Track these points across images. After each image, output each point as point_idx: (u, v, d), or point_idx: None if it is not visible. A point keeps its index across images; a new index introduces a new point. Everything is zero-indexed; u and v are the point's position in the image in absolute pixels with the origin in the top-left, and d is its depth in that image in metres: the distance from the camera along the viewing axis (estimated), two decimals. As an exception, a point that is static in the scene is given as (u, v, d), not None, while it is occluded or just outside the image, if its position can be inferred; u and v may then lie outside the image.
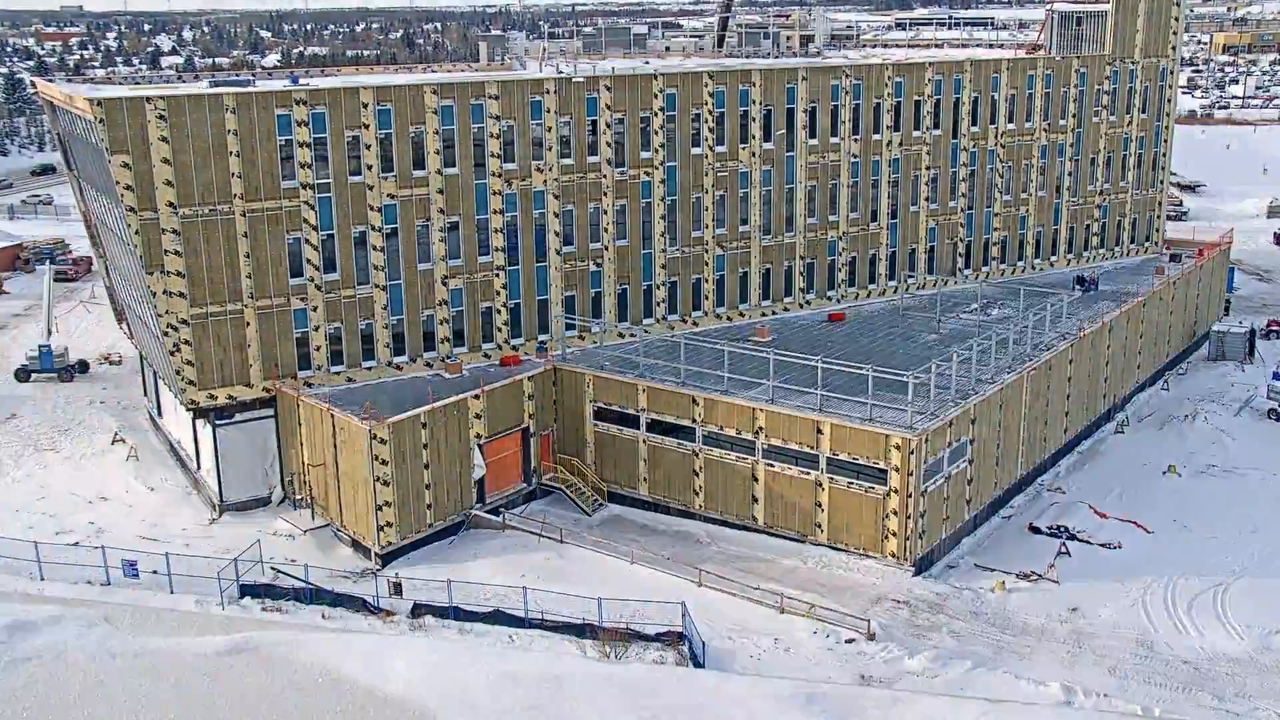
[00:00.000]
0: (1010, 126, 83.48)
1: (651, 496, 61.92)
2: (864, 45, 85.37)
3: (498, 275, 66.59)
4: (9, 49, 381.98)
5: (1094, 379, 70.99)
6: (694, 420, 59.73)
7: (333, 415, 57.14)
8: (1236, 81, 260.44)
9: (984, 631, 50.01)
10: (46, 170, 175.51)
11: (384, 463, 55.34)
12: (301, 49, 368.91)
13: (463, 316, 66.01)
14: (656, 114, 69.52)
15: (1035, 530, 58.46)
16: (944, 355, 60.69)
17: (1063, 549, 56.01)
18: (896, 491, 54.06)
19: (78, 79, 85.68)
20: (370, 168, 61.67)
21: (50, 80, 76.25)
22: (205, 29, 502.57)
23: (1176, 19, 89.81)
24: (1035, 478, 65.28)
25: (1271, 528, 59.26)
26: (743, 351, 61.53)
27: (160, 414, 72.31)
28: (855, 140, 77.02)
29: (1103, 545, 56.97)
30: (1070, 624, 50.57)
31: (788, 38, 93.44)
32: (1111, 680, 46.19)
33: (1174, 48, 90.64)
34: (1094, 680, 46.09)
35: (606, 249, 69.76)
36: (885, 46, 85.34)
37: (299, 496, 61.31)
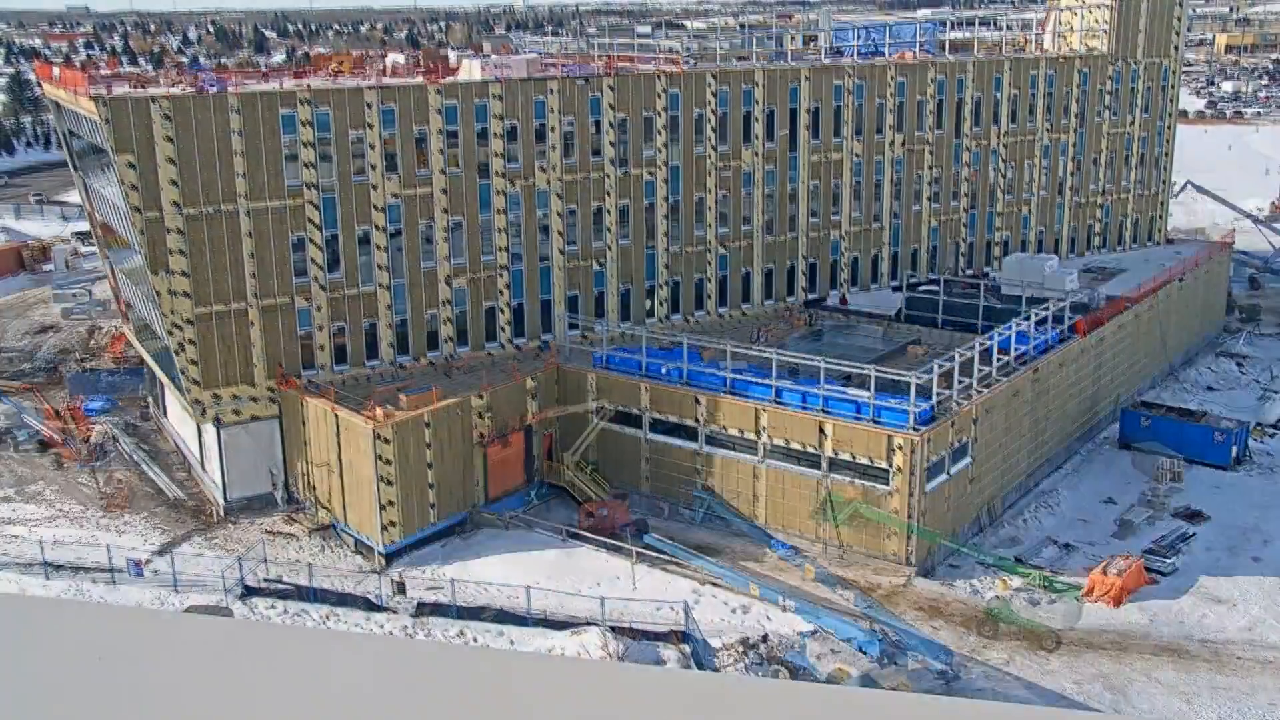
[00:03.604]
0: (1012, 126, 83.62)
1: (654, 496, 62.03)
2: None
3: (501, 274, 66.78)
4: (15, 50, 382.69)
5: (1097, 378, 71.05)
6: (697, 420, 59.88)
7: (336, 415, 57.32)
8: (1238, 79, 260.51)
9: (986, 630, 50.07)
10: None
11: (388, 462, 55.53)
12: (306, 49, 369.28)
13: (466, 316, 66.22)
14: (660, 113, 69.71)
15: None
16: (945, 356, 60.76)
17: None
18: (899, 491, 54.19)
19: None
20: (374, 167, 61.87)
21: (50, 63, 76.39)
22: (210, 29, 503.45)
23: (1179, 19, 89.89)
24: (1040, 476, 65.32)
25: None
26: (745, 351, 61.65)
27: (165, 414, 72.56)
28: (858, 140, 77.18)
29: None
30: (1074, 622, 50.65)
31: (791, 38, 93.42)
32: (1113, 678, 46.30)
33: (1176, 48, 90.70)
34: (1095, 679, 46.20)
35: (610, 248, 69.95)
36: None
37: (303, 496, 61.51)
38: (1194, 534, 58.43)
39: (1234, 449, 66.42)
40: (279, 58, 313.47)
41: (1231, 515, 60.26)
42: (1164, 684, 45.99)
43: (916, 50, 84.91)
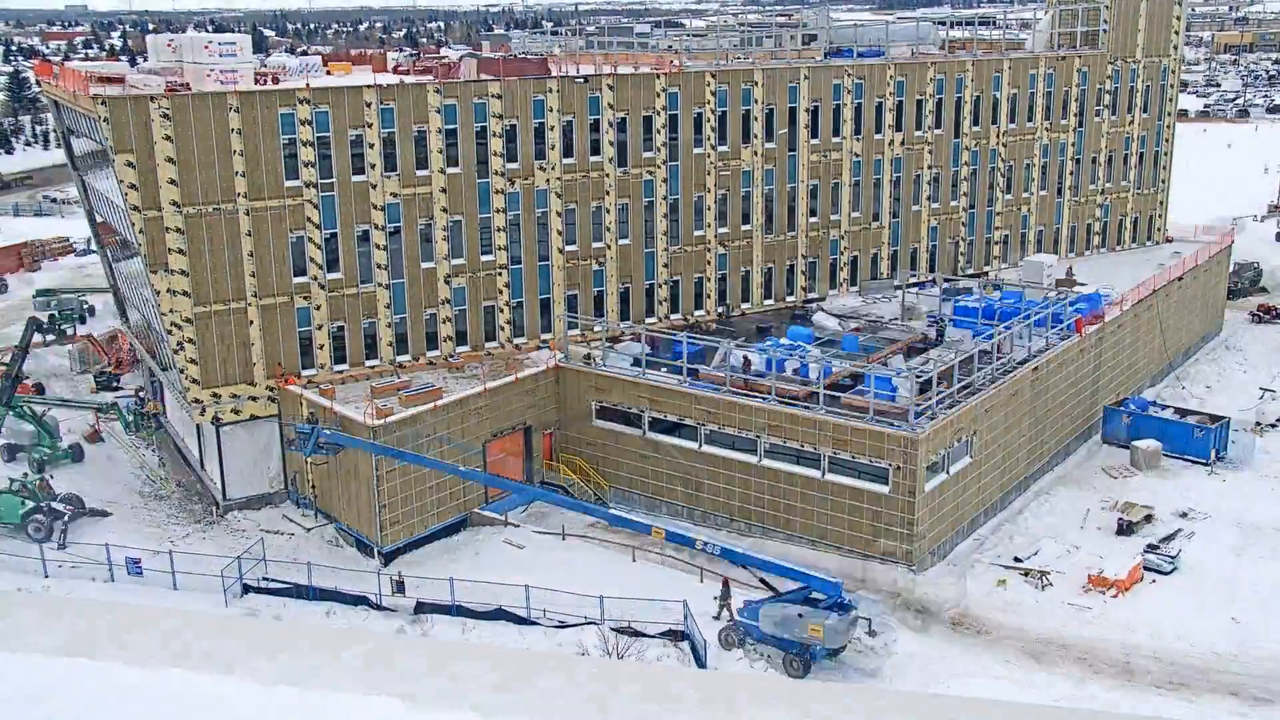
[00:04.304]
0: (1011, 125, 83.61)
1: (653, 495, 62.03)
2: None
3: (500, 274, 66.78)
4: (14, 48, 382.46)
5: (1097, 377, 71.06)
6: (696, 420, 59.82)
7: (336, 413, 57.28)
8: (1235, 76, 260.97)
9: (985, 630, 50.13)
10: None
11: (387, 460, 55.44)
12: (305, 48, 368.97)
13: (465, 315, 66.21)
14: (659, 113, 69.70)
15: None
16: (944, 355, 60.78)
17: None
18: (898, 491, 54.16)
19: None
20: (373, 166, 61.86)
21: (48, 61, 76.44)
22: (210, 28, 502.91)
23: (1177, 18, 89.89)
24: (1040, 475, 65.33)
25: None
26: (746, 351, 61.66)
27: (163, 412, 72.52)
28: (857, 139, 77.18)
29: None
30: (1073, 623, 50.65)
31: (790, 37, 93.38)
32: (1113, 680, 46.30)
33: (1175, 47, 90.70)
34: (1094, 678, 46.20)
35: (609, 248, 69.94)
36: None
37: (303, 495, 61.50)
38: (1193, 533, 58.44)
39: (1214, 445, 66.68)
40: (278, 58, 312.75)
41: (1230, 513, 60.30)
42: (1162, 682, 45.99)
43: (915, 50, 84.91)
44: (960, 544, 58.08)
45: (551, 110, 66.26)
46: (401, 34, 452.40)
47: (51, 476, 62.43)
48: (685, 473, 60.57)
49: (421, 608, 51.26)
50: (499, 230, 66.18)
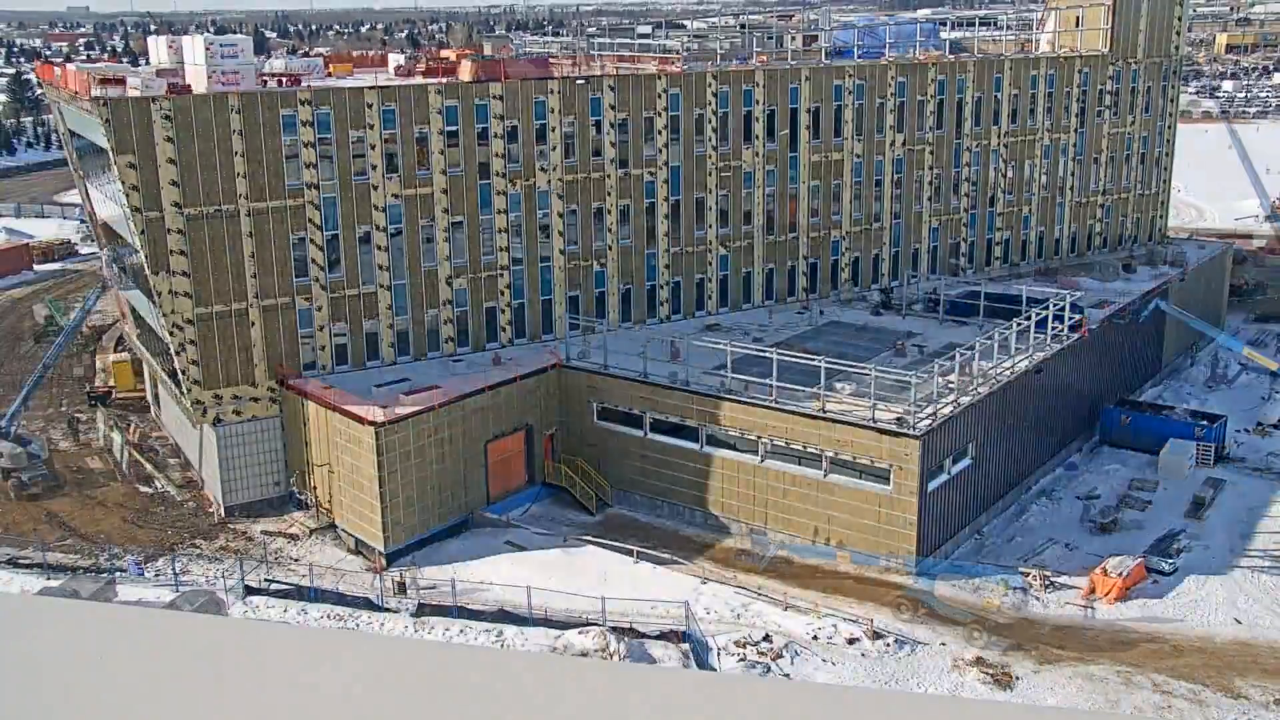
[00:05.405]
0: (1013, 126, 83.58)
1: (654, 496, 62.00)
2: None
3: (502, 275, 66.78)
4: (16, 50, 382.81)
5: (1099, 377, 71.02)
6: (697, 421, 59.80)
7: (337, 414, 57.29)
8: (1237, 76, 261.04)
9: (988, 630, 50.10)
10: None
11: (389, 461, 55.47)
12: (307, 49, 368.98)
13: (467, 316, 66.22)
14: (660, 114, 69.71)
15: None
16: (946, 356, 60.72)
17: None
18: (899, 492, 54.15)
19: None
20: (375, 168, 61.87)
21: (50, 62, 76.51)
22: (211, 29, 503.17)
23: (1179, 19, 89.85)
24: (1041, 475, 65.27)
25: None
26: (746, 351, 61.60)
27: (162, 413, 72.54)
28: (858, 140, 77.16)
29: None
30: (1075, 621, 50.64)
31: (792, 38, 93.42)
32: (1112, 678, 46.28)
33: (1176, 48, 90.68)
34: (1094, 678, 46.18)
35: (610, 248, 69.95)
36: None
37: (303, 496, 61.49)
38: (1196, 533, 58.41)
39: (1212, 444, 66.66)
40: (279, 61, 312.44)
41: (1232, 514, 60.29)
42: (1163, 683, 45.97)
43: (916, 49, 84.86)
44: (963, 544, 58.04)
45: (553, 111, 66.26)
46: (403, 35, 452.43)
47: None
48: (686, 473, 60.49)
49: (423, 609, 51.27)
50: (500, 231, 66.19)
